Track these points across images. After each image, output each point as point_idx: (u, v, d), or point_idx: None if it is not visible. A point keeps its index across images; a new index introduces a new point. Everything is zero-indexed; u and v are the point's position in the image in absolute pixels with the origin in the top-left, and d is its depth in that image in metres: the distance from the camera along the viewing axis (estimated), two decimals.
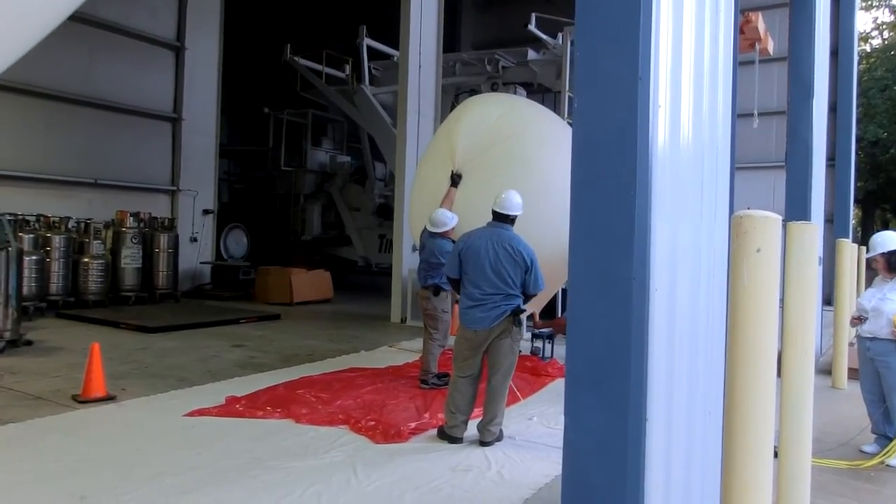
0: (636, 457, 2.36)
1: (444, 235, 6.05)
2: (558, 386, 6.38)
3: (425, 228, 6.28)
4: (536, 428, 5.11)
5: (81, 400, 5.29)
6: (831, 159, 12.25)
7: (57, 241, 10.43)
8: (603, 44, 2.30)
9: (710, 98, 3.02)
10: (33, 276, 9.66)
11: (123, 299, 11.38)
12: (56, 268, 10.37)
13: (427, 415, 5.18)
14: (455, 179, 6.38)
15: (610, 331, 2.31)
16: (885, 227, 43.38)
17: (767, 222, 2.31)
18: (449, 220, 6.04)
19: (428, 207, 6.45)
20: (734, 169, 3.47)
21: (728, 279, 3.28)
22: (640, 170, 2.27)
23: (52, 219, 10.79)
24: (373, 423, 4.89)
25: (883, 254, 4.73)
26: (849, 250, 7.52)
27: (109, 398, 5.38)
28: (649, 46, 2.26)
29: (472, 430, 4.75)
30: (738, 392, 2.47)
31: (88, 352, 5.48)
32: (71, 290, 10.65)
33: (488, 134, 6.54)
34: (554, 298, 9.16)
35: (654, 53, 2.30)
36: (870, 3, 29.93)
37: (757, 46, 7.76)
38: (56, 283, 10.38)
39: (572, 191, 2.38)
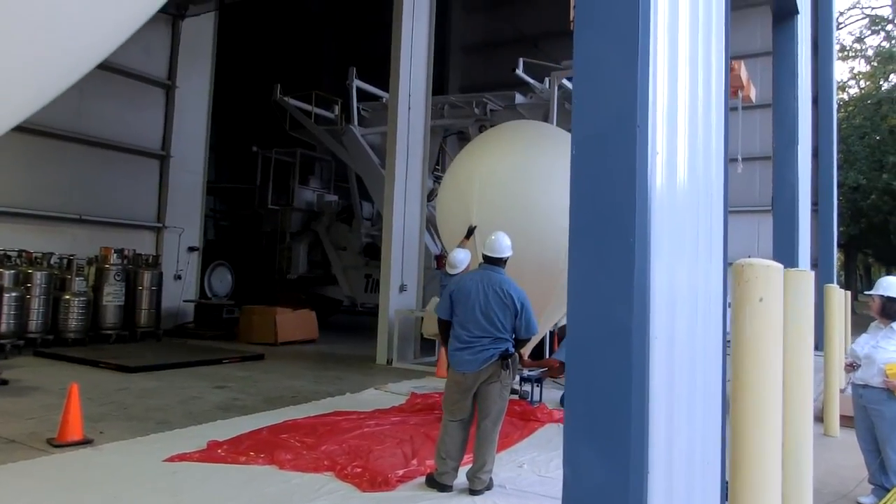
0: None
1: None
2: (548, 431, 6.26)
3: (446, 275, 6.41)
4: (527, 475, 4.97)
5: (57, 444, 5.08)
6: (815, 204, 12.49)
7: (38, 277, 10.23)
8: (601, 91, 2.31)
9: (704, 144, 3.05)
10: (12, 312, 9.45)
11: (104, 337, 11.13)
12: (36, 304, 10.14)
13: (415, 461, 5.02)
14: (470, 231, 6.66)
15: (610, 381, 2.26)
16: (867, 271, 43.96)
17: (770, 271, 2.30)
18: (462, 259, 6.07)
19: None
20: (728, 213, 3.48)
21: (724, 324, 3.27)
22: (640, 218, 2.26)
23: (34, 255, 10.61)
24: (359, 469, 4.73)
25: (881, 296, 4.72)
26: (837, 296, 7.56)
27: (86, 442, 5.17)
28: (647, 94, 2.28)
29: (461, 478, 4.61)
30: (744, 445, 2.41)
31: (65, 392, 5.29)
32: (50, 327, 10.40)
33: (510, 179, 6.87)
34: (542, 339, 9.09)
35: (651, 101, 2.32)
36: (846, 53, 31.14)
37: (740, 94, 7.95)
38: (35, 321, 10.14)
39: (571, 237, 2.36)
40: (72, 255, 11.08)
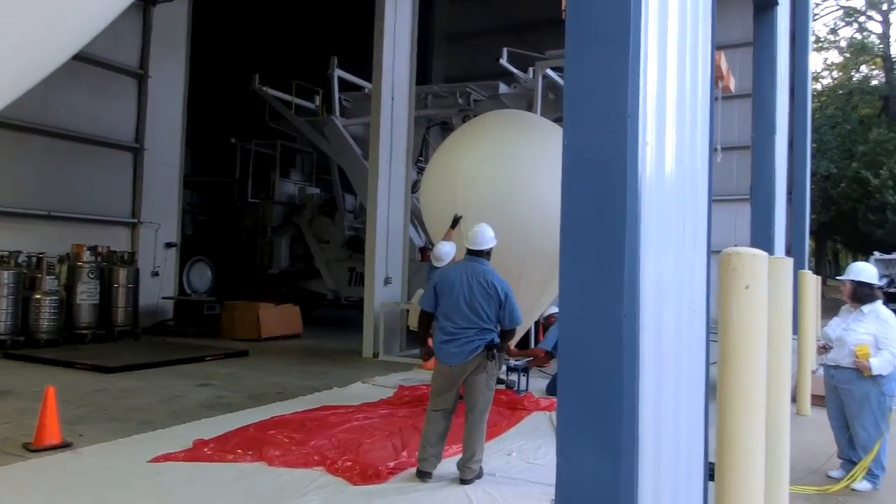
0: (629, 497, 2.32)
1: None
2: (535, 420, 6.32)
3: (432, 268, 6.37)
4: (516, 463, 5.02)
5: (33, 448, 4.94)
6: (789, 193, 12.71)
7: (5, 276, 9.94)
8: (592, 81, 2.31)
9: (690, 134, 3.08)
10: None
11: (79, 337, 10.87)
12: (4, 305, 9.87)
13: (405, 453, 5.03)
14: (455, 221, 6.70)
15: (602, 373, 2.28)
16: (836, 257, 44.97)
17: (756, 259, 2.32)
18: (447, 252, 6.05)
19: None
20: (711, 202, 3.52)
21: (707, 312, 3.31)
22: (630, 208, 2.28)
23: (0, 253, 10.31)
24: (349, 463, 4.72)
25: (852, 281, 4.86)
26: (811, 281, 7.72)
27: (65, 445, 5.05)
28: (637, 84, 2.28)
29: (452, 468, 4.63)
30: (731, 429, 2.44)
31: (40, 395, 5.14)
32: (21, 328, 10.13)
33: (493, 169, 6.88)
34: (528, 329, 9.14)
35: (641, 92, 2.33)
36: (820, 44, 31.69)
37: (720, 84, 8.04)
38: (4, 322, 9.88)
39: (562, 230, 2.36)
40: (41, 253, 10.76)
